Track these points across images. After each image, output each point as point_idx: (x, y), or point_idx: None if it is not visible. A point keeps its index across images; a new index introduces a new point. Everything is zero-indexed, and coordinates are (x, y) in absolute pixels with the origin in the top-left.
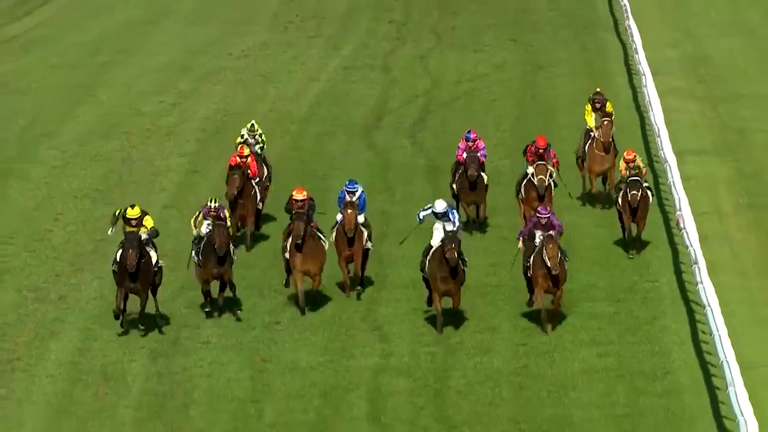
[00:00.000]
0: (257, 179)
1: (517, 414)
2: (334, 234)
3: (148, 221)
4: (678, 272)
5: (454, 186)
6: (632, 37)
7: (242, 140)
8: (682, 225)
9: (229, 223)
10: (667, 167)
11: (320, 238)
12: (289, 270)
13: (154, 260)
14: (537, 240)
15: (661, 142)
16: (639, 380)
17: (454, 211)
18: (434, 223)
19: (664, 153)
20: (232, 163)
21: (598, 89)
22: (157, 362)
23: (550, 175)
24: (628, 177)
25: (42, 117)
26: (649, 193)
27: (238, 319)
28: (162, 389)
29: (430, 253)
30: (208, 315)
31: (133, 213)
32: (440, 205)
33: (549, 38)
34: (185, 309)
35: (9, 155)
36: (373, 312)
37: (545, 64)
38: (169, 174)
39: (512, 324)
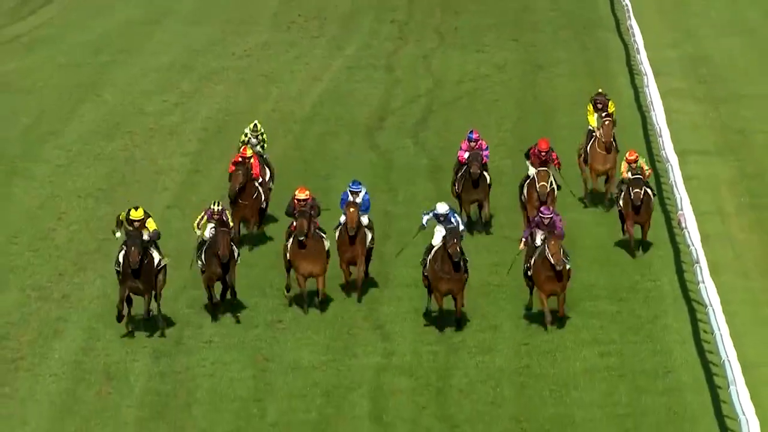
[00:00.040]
0: (260, 180)
1: (519, 413)
2: (336, 235)
3: (151, 224)
4: (680, 272)
5: (456, 186)
6: (634, 37)
7: (246, 140)
8: (683, 224)
9: (231, 224)
10: (669, 167)
11: (322, 237)
12: (289, 270)
13: (156, 260)
14: (538, 241)
15: (662, 142)
16: (641, 379)
17: (456, 214)
18: (436, 225)
19: (665, 153)
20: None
21: (599, 90)
22: (160, 362)
23: (553, 182)
24: (630, 176)
25: (46, 116)
26: (650, 193)
27: (238, 321)
28: (165, 388)
29: (432, 253)
30: (213, 318)
31: (136, 215)
32: (442, 207)
33: (550, 38)
34: (187, 308)
35: (13, 154)
36: (375, 311)
37: (546, 64)
38: (172, 173)
39: (514, 323)
